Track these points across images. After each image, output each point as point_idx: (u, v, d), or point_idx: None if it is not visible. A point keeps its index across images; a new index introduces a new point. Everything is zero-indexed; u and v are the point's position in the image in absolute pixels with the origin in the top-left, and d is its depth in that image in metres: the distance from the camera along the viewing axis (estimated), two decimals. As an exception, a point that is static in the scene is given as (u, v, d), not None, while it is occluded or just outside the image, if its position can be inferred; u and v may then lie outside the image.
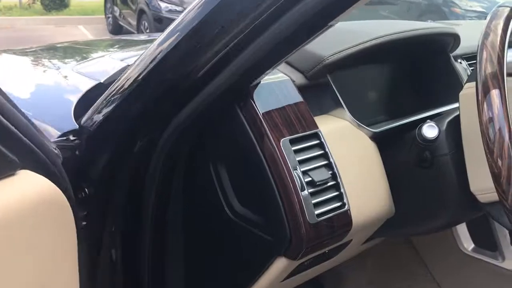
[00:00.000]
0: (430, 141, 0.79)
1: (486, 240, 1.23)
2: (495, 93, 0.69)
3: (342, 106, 0.87)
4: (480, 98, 0.70)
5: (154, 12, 6.52)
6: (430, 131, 0.79)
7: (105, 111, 0.77)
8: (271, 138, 0.75)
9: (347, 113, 0.87)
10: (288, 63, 0.89)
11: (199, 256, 0.93)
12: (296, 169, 0.75)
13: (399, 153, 0.89)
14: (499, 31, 0.74)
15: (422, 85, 1.11)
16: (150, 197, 0.85)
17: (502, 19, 0.75)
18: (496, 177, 0.68)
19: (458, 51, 1.13)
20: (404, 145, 0.87)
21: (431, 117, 0.99)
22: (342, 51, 0.86)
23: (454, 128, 0.87)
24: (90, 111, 0.81)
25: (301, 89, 0.85)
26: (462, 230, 1.27)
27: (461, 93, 0.86)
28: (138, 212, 0.87)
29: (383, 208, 0.88)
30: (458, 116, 0.86)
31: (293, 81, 0.84)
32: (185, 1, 6.24)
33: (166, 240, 0.92)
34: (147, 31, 6.67)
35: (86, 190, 0.81)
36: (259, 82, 0.78)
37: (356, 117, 0.92)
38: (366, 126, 0.97)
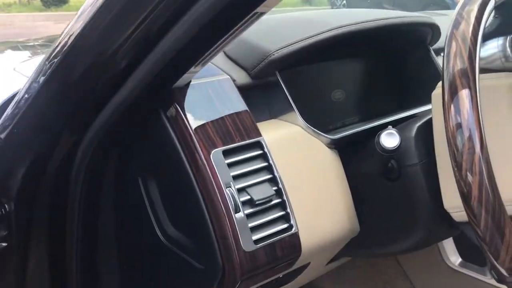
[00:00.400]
0: (390, 151, 0.67)
1: (474, 254, 1.10)
2: (464, 94, 0.57)
3: (293, 110, 0.75)
4: (446, 100, 0.57)
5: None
6: (389, 140, 0.66)
7: (15, 117, 0.66)
8: (199, 149, 0.63)
9: (298, 118, 0.75)
10: (231, 59, 0.77)
11: (134, 284, 0.81)
12: (229, 186, 0.63)
13: (362, 163, 0.76)
14: (472, 20, 0.61)
15: (396, 83, 0.98)
16: (74, 218, 0.73)
17: (476, 5, 0.62)
18: (465, 197, 0.55)
19: (442, 44, 0.99)
20: (367, 154, 0.75)
21: (405, 119, 0.87)
22: (292, 44, 0.73)
23: (425, 133, 0.74)
24: (2, 117, 0.69)
25: (243, 89, 0.73)
26: (448, 243, 1.14)
27: (433, 93, 0.74)
28: (63, 231, 0.76)
29: (344, 226, 0.76)
30: (431, 120, 0.73)
31: (234, 81, 0.72)
32: None
33: (98, 266, 0.80)
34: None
35: (6, 206, 0.70)
36: (189, 83, 0.66)
37: (314, 122, 0.79)
38: (329, 131, 0.85)
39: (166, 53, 0.53)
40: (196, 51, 0.56)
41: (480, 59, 0.74)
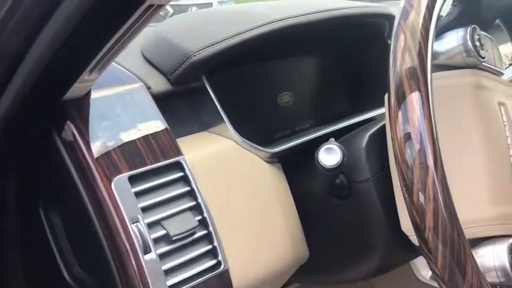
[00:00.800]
0: (332, 170, 0.56)
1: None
2: (414, 98, 0.46)
3: (223, 120, 0.63)
4: (392, 105, 0.47)
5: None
6: (328, 157, 0.55)
7: None
8: (97, 177, 0.51)
9: (230, 130, 0.63)
10: (148, 62, 0.65)
11: None
12: (137, 221, 0.51)
13: (307, 179, 0.65)
14: (422, 9, 0.50)
15: (353, 82, 0.87)
16: None
17: None
18: (418, 228, 0.45)
19: None
20: (311, 169, 0.64)
21: (363, 123, 0.77)
22: (218, 43, 0.61)
23: (379, 142, 0.64)
24: None
25: (162, 98, 0.61)
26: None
27: (386, 95, 0.63)
28: None
29: (289, 255, 0.65)
30: (385, 126, 0.63)
31: (149, 88, 0.60)
32: None
33: None
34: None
35: None
36: (88, 94, 0.55)
37: (257, 131, 0.69)
38: (276, 140, 0.74)
39: (41, 59, 0.42)
40: (82, 54, 0.45)
41: (440, 53, 0.64)
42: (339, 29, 0.78)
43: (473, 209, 0.57)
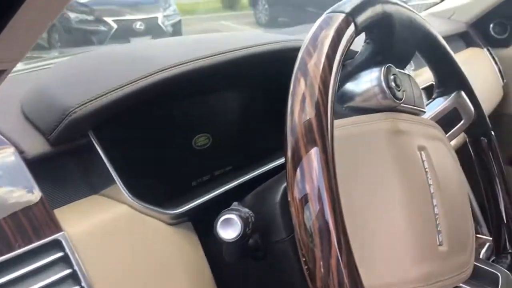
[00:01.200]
0: (234, 243, 0.49)
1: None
2: (313, 154, 0.40)
3: (115, 181, 0.55)
4: (289, 163, 0.41)
5: (63, 23, 6.01)
6: (227, 230, 0.48)
7: None
8: None
9: (123, 192, 0.55)
10: (27, 119, 0.56)
11: None
12: None
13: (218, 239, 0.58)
14: (324, 50, 0.44)
15: (275, 119, 0.81)
16: None
17: (332, 30, 0.46)
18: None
19: None
20: None
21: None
22: (101, 96, 0.53)
23: None
24: None
25: (41, 161, 0.52)
26: None
27: None
28: None
29: None
30: None
31: (22, 153, 0.51)
32: (96, 9, 5.79)
33: None
34: (58, 44, 6.15)
35: None
36: None
37: (167, 184, 0.61)
38: (193, 188, 0.67)
39: None
40: None
41: (356, 95, 0.59)
42: (248, 67, 0.72)
43: (397, 271, 0.52)
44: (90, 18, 5.77)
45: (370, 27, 0.52)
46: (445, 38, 0.68)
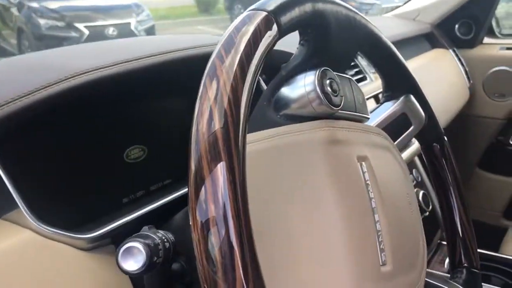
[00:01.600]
0: (139, 274, 0.43)
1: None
2: (219, 171, 0.35)
3: (17, 205, 0.49)
4: (191, 181, 0.36)
5: (33, 30, 5.89)
6: (129, 261, 0.42)
7: None
8: None
9: (26, 216, 0.49)
10: None
11: None
12: None
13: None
14: (238, 54, 0.39)
15: None
16: None
17: (250, 31, 0.41)
18: None
19: None
20: None
21: None
22: (2, 106, 0.47)
23: None
24: None
25: None
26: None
27: None
28: None
29: None
30: None
31: None
32: (67, 15, 5.68)
33: None
34: (29, 50, 6.01)
35: None
36: None
37: (81, 209, 0.54)
38: (127, 205, 0.61)
39: None
40: None
41: (291, 101, 0.53)
42: (178, 72, 0.66)
43: None
44: (60, 24, 5.66)
45: (300, 26, 0.47)
46: (410, 39, 0.63)
